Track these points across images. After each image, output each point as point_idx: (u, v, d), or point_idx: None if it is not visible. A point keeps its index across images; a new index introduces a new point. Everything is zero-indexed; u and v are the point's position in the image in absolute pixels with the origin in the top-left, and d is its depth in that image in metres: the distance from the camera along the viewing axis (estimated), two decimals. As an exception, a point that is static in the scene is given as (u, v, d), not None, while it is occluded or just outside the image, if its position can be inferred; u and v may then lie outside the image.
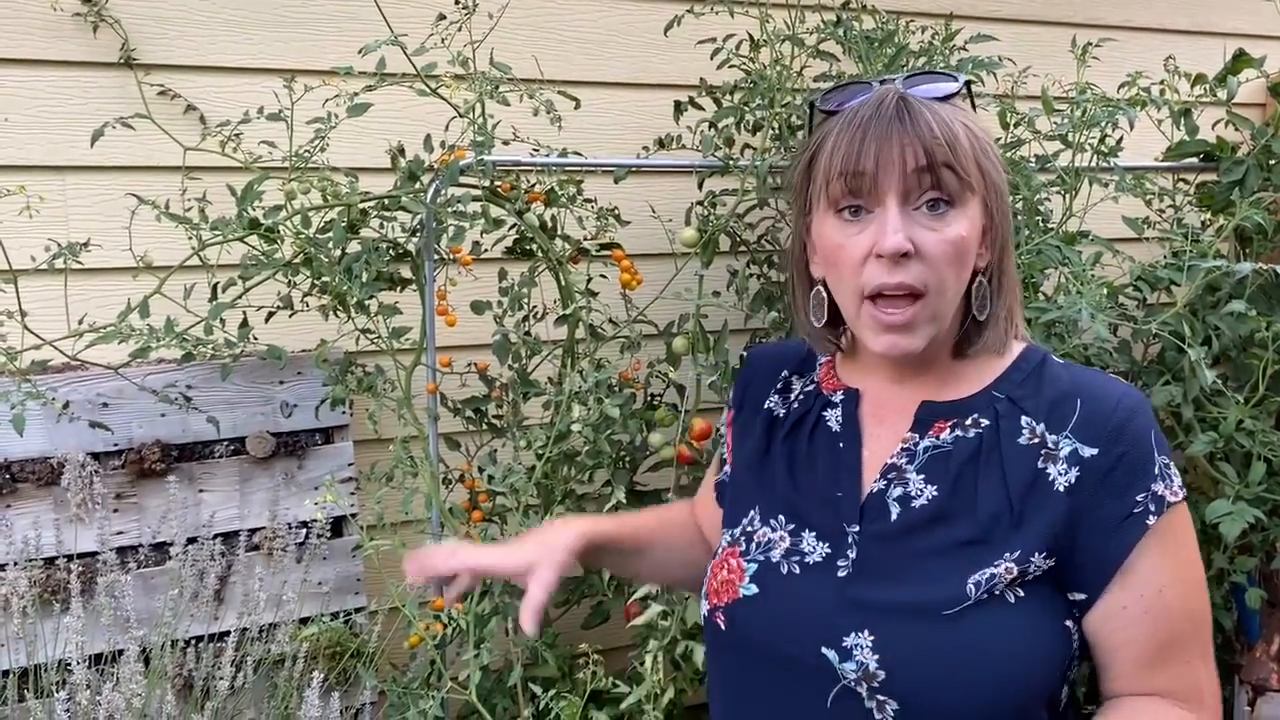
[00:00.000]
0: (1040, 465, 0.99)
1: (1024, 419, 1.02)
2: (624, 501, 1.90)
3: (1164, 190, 2.33)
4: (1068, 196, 2.13)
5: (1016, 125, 2.14)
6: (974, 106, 1.06)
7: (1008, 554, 0.97)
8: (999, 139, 2.17)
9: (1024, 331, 1.10)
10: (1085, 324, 1.84)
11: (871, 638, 0.97)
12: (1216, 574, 2.26)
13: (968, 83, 1.03)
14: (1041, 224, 2.12)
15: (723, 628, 1.08)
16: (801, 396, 1.17)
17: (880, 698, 0.96)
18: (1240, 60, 2.32)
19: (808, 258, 1.10)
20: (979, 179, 0.99)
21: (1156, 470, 0.98)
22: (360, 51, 1.75)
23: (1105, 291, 1.90)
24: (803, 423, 1.14)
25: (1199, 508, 2.15)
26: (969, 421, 1.04)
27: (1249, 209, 1.96)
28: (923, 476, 1.03)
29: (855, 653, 0.98)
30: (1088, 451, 0.98)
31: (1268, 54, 2.33)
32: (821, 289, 1.09)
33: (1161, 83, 2.21)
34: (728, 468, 1.25)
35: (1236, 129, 2.33)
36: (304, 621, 1.92)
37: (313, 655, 1.87)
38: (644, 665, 1.76)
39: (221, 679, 1.71)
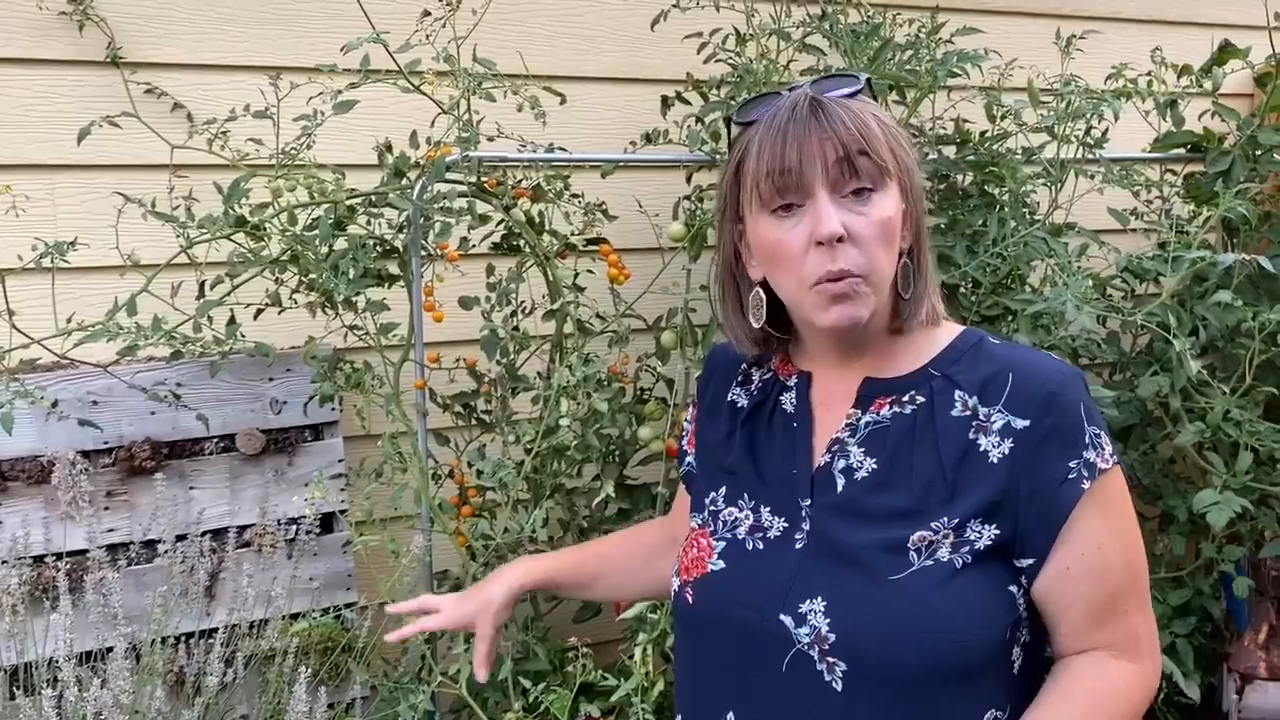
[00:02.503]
0: (972, 437, 1.05)
1: (957, 393, 1.08)
2: (613, 495, 1.90)
3: (1151, 182, 2.34)
4: (1054, 188, 2.14)
5: (1003, 118, 2.14)
6: (876, 99, 1.13)
7: (945, 520, 1.03)
8: (985, 131, 2.18)
9: (944, 310, 1.16)
10: (1071, 315, 1.85)
11: (824, 603, 1.04)
12: (1205, 564, 2.28)
13: (869, 80, 1.11)
14: (1028, 216, 2.13)
15: (690, 601, 1.15)
16: (761, 384, 1.23)
17: (830, 659, 1.03)
18: (1226, 51, 2.32)
19: (741, 263, 1.16)
20: (893, 163, 1.06)
21: (1087, 439, 1.04)
22: (342, 49, 1.75)
23: (1091, 283, 1.90)
24: (762, 408, 1.21)
25: (1187, 498, 2.17)
26: (906, 399, 1.10)
27: (1234, 200, 1.96)
28: (863, 450, 1.10)
29: (809, 618, 1.04)
30: (1020, 423, 1.04)
31: (1253, 45, 2.33)
32: (760, 290, 1.15)
33: (1149, 74, 2.21)
34: (690, 459, 1.32)
35: (1223, 120, 2.33)
36: (295, 617, 1.93)
37: (304, 650, 1.87)
38: (633, 658, 1.77)
39: (212, 675, 1.71)
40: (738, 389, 1.25)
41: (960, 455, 1.05)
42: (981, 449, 1.04)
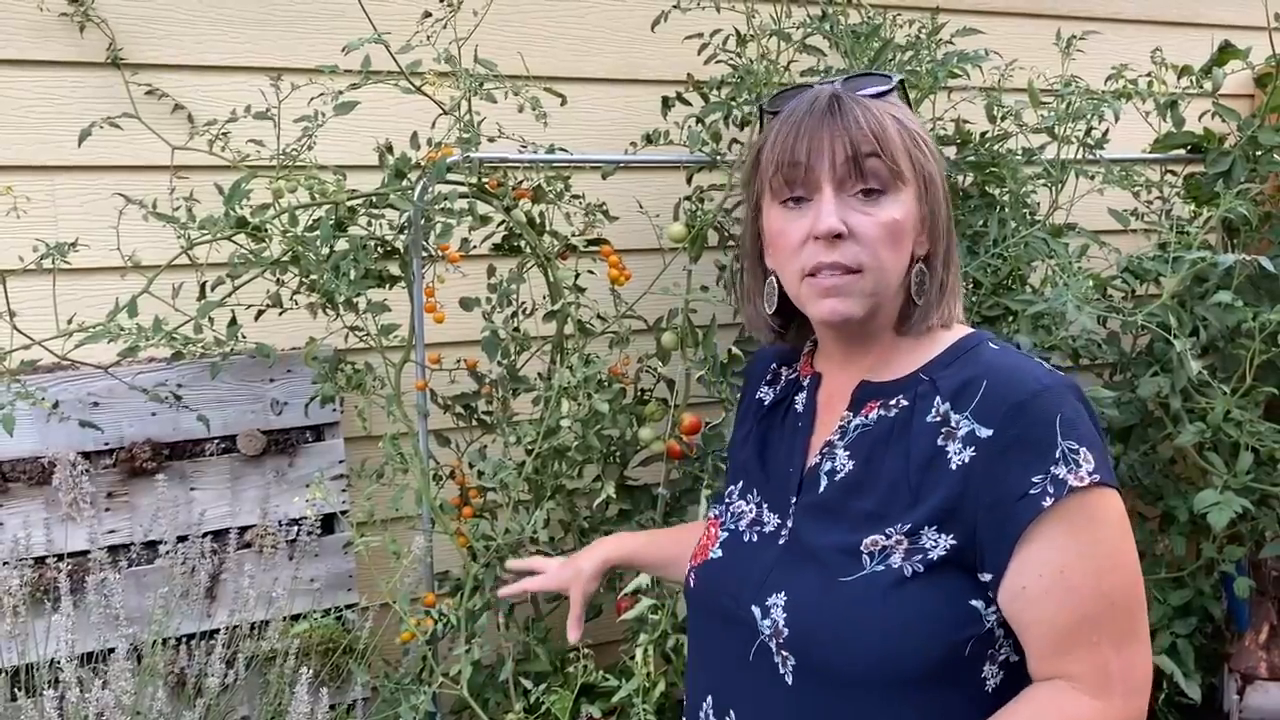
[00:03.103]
0: (940, 443, 1.03)
1: (936, 398, 1.06)
2: (613, 496, 1.90)
3: (1151, 182, 2.33)
4: (1054, 189, 2.14)
5: (1003, 119, 2.14)
6: (909, 104, 1.13)
7: (899, 526, 1.02)
8: (985, 132, 2.18)
9: (960, 315, 1.15)
10: (1072, 316, 1.85)
11: (785, 598, 1.06)
12: (1206, 564, 2.28)
13: (901, 81, 1.12)
14: (1028, 216, 2.13)
15: (692, 585, 1.21)
16: (784, 384, 1.26)
17: (784, 653, 1.05)
18: (1226, 52, 2.32)
19: (761, 250, 1.17)
20: (909, 168, 1.06)
21: (1058, 454, 0.97)
22: (343, 50, 1.75)
23: (1091, 283, 1.90)
24: (779, 406, 1.24)
25: (1188, 498, 2.17)
26: (893, 402, 1.10)
27: (1234, 200, 1.96)
28: (847, 452, 1.10)
29: (772, 611, 1.07)
30: (984, 432, 1.01)
31: (1253, 45, 2.33)
32: (774, 280, 1.16)
33: (1149, 74, 2.22)
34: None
35: (1223, 120, 2.33)
36: (296, 618, 1.93)
37: (305, 652, 1.87)
38: (635, 659, 1.77)
39: (213, 676, 1.71)
40: (766, 387, 1.28)
41: (926, 461, 1.03)
42: (946, 455, 1.02)
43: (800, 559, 1.09)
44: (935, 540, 1.01)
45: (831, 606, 1.03)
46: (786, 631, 1.05)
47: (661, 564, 1.47)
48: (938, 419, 1.05)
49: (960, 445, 1.01)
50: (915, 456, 1.04)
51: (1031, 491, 0.97)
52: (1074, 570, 0.98)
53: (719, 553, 1.18)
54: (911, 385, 1.09)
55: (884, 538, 1.03)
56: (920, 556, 1.01)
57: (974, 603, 1.01)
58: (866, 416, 1.11)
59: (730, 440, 1.34)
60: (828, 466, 1.11)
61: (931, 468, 1.02)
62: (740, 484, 1.23)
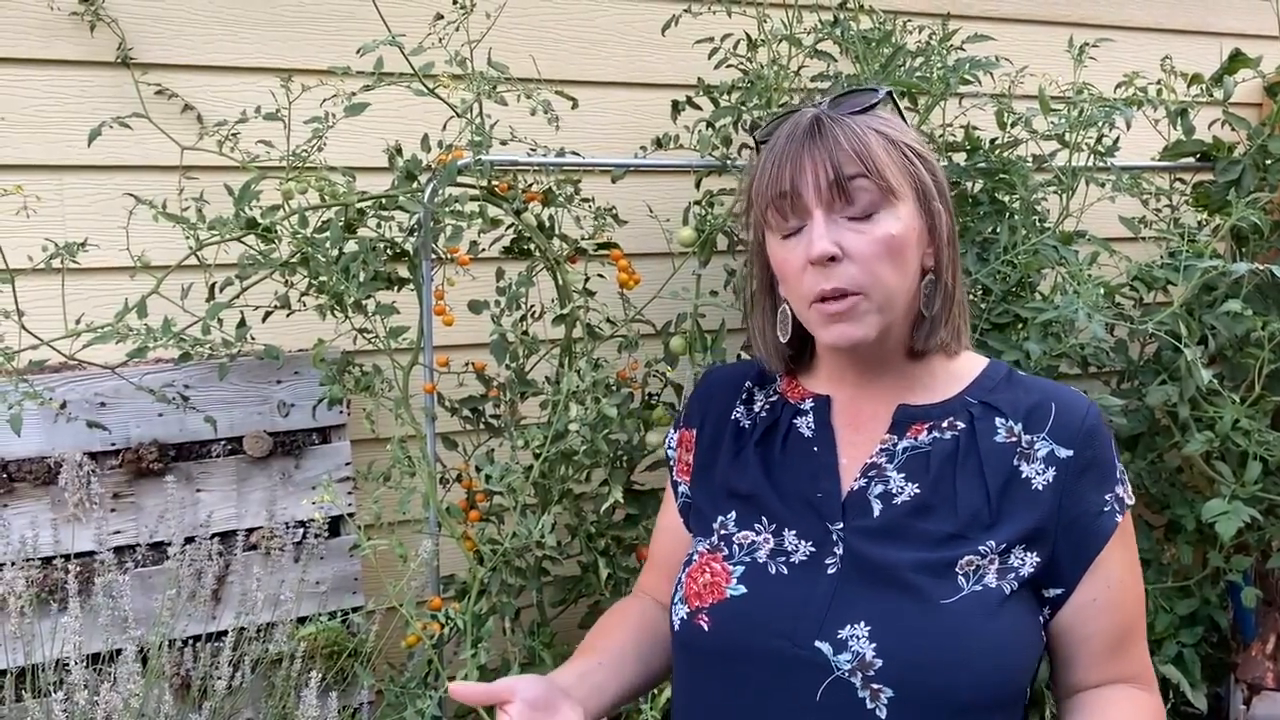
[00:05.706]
0: (1015, 463, 1.06)
1: (998, 419, 1.08)
2: (620, 501, 1.90)
3: (1160, 190, 2.33)
4: (1064, 196, 2.13)
5: (1013, 125, 2.14)
6: (900, 114, 1.13)
7: (992, 544, 1.03)
8: (995, 139, 2.17)
9: (968, 341, 1.16)
10: (1082, 323, 1.85)
11: (868, 628, 1.01)
12: (1213, 573, 2.27)
13: (889, 93, 1.11)
14: (1038, 224, 2.13)
15: (706, 629, 1.08)
16: (768, 406, 1.20)
17: (875, 686, 0.99)
18: (1236, 60, 2.32)
19: (773, 279, 1.16)
20: (901, 181, 1.04)
21: (1118, 474, 1.08)
22: (358, 51, 1.75)
23: (1102, 291, 1.90)
24: (774, 430, 1.18)
25: (1195, 507, 2.17)
26: (945, 424, 1.10)
27: (1245, 209, 1.96)
28: (903, 475, 1.08)
29: (851, 644, 1.01)
30: (1063, 452, 1.06)
31: (1264, 54, 2.33)
32: (787, 308, 1.14)
33: (1159, 82, 2.21)
34: (685, 487, 1.25)
35: (1233, 129, 2.33)
36: (301, 621, 1.92)
37: (310, 655, 1.87)
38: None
39: (219, 678, 1.71)
40: (741, 408, 1.22)
41: (1004, 481, 1.05)
42: (1024, 475, 1.05)
43: (873, 585, 1.03)
44: (1023, 558, 1.04)
45: (936, 631, 0.99)
46: (879, 663, 0.99)
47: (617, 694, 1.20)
48: (1010, 439, 1.07)
49: (1042, 465, 1.06)
50: (992, 478, 1.06)
51: (1105, 510, 1.06)
52: (1127, 579, 1.08)
53: (741, 589, 1.08)
54: (959, 408, 1.10)
55: (978, 557, 1.02)
56: (1012, 574, 1.03)
57: (1040, 618, 1.06)
58: (916, 438, 1.09)
59: (699, 469, 1.22)
60: (879, 490, 1.08)
61: (1010, 488, 1.05)
62: (734, 513, 1.14)
